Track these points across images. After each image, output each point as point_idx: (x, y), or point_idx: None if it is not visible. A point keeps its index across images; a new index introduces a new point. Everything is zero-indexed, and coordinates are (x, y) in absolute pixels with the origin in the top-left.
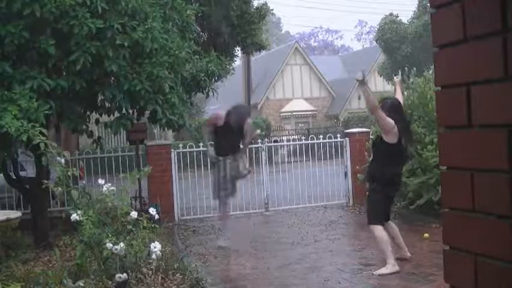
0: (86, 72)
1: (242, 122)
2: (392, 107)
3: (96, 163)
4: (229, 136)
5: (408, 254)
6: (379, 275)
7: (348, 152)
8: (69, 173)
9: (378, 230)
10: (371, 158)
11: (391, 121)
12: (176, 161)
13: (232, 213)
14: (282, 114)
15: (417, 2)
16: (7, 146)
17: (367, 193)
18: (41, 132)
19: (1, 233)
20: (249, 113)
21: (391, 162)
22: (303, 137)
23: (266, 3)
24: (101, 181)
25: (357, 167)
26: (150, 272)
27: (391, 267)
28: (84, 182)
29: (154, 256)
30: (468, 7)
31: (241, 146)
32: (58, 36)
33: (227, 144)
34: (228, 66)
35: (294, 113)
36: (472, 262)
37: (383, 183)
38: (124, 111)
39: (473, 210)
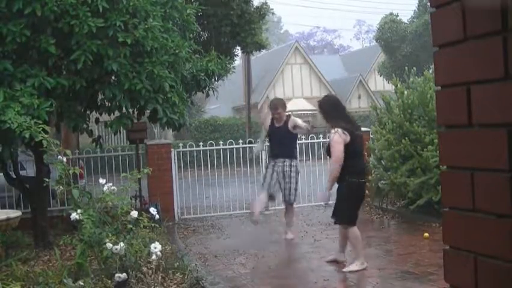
0: (87, 71)
1: (274, 113)
2: (330, 105)
3: (96, 162)
4: (277, 137)
5: (343, 259)
6: (349, 271)
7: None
8: (70, 172)
9: (354, 229)
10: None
11: (341, 145)
12: (176, 161)
13: (232, 212)
14: None
15: (417, 2)
16: (9, 142)
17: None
18: (43, 130)
19: (1, 232)
20: (279, 104)
21: (352, 158)
22: (303, 137)
23: (266, 3)
24: (102, 181)
25: None
26: (150, 271)
27: (360, 264)
28: (84, 181)
29: (154, 257)
30: (468, 6)
31: (295, 151)
32: (59, 35)
33: (275, 145)
34: (228, 66)
35: (294, 112)
36: (472, 262)
37: (349, 178)
38: (124, 110)
39: (473, 210)
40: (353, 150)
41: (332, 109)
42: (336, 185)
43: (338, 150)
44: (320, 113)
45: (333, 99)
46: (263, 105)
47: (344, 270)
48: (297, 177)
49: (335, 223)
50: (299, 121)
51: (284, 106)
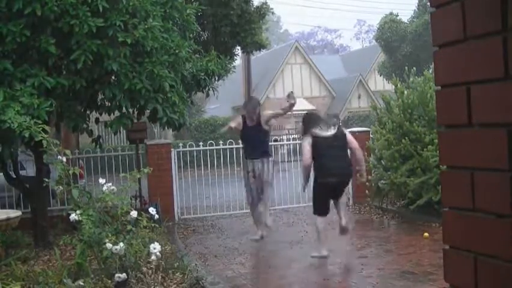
0: (87, 71)
1: (253, 114)
2: (306, 121)
3: (96, 162)
4: (252, 136)
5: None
6: (311, 256)
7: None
8: (70, 172)
9: (319, 220)
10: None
11: (307, 147)
12: (176, 160)
13: (231, 212)
14: None
15: (417, 1)
16: (9, 142)
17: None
18: (43, 129)
19: (1, 231)
20: (257, 102)
21: (315, 159)
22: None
23: (266, 2)
24: (101, 181)
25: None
26: (150, 271)
27: (321, 252)
28: (84, 181)
29: (153, 257)
30: (468, 6)
31: (268, 150)
32: (59, 35)
33: (250, 145)
34: (228, 66)
35: (294, 112)
36: (472, 261)
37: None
38: (124, 110)
39: (473, 210)
40: (315, 152)
41: (306, 122)
42: None
43: (304, 150)
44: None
45: (310, 114)
46: (264, 104)
47: (312, 255)
48: (273, 173)
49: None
50: (270, 111)
51: (259, 105)
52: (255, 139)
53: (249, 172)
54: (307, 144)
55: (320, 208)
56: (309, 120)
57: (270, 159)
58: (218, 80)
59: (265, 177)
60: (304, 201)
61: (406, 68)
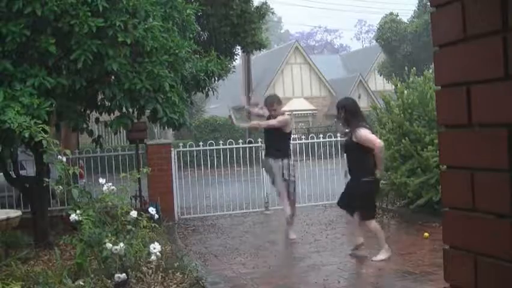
0: (87, 71)
1: (270, 110)
2: (353, 106)
3: (96, 162)
4: (271, 136)
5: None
6: (379, 260)
7: None
8: (70, 172)
9: (373, 223)
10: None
11: (374, 135)
12: (176, 160)
13: (232, 212)
14: None
15: (417, 1)
16: (9, 142)
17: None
18: (43, 129)
19: (1, 231)
20: (274, 100)
21: (368, 156)
22: (303, 136)
23: (266, 2)
24: (101, 180)
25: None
26: (150, 271)
27: (385, 252)
28: (84, 180)
29: (153, 257)
30: (468, 6)
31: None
32: (59, 34)
33: (271, 143)
34: (228, 66)
35: (294, 112)
36: (472, 261)
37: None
38: (124, 110)
39: (473, 210)
40: (368, 149)
41: (355, 110)
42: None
43: (375, 138)
44: (342, 112)
45: (355, 101)
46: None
47: (374, 259)
48: (295, 176)
49: (362, 219)
50: (274, 121)
51: (279, 102)
52: (274, 137)
53: (271, 163)
54: (369, 132)
55: (375, 208)
56: (356, 111)
57: (290, 161)
58: (218, 80)
59: (291, 178)
60: (304, 202)
61: (406, 68)
